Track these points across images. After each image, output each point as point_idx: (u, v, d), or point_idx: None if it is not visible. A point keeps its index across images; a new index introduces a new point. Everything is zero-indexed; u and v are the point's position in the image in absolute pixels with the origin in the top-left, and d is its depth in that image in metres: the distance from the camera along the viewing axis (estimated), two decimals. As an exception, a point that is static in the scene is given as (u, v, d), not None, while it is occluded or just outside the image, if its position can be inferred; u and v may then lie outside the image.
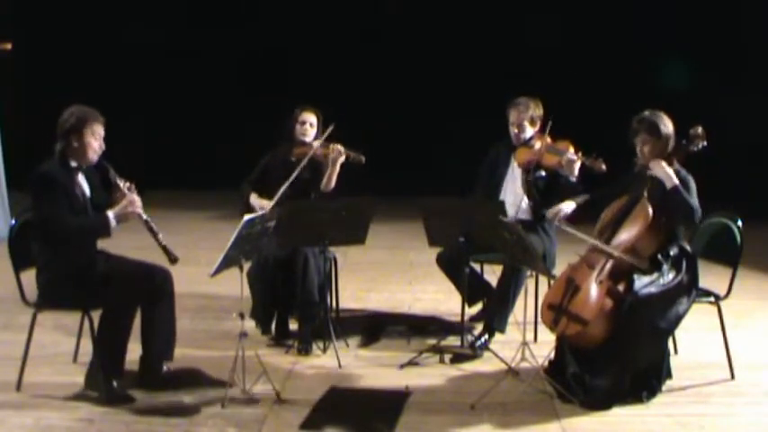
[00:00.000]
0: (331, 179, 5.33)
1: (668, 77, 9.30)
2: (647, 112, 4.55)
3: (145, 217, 4.37)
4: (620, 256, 4.33)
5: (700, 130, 4.42)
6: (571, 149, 5.01)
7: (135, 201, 4.34)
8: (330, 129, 5.31)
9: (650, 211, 4.38)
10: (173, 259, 4.33)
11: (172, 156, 10.39)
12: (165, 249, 4.35)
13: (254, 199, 5.34)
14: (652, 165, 4.44)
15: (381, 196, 5.35)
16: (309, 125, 5.40)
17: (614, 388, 4.25)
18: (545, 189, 5.18)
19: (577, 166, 4.94)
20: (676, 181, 4.36)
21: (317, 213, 4.93)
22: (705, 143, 4.42)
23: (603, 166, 4.88)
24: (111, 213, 4.29)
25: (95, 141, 4.35)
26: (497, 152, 5.40)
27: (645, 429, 4.07)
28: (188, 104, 10.40)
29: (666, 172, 4.39)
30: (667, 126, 4.50)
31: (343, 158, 5.27)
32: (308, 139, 5.40)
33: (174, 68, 10.57)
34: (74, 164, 4.35)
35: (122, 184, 4.39)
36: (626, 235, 4.39)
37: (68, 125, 4.30)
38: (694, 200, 4.38)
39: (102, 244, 4.51)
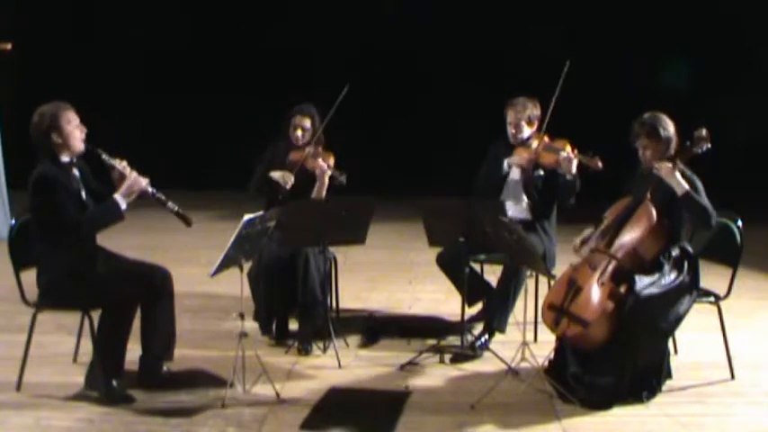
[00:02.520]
0: (320, 192, 5.29)
1: (668, 78, 9.29)
2: (647, 115, 4.51)
3: (151, 190, 4.36)
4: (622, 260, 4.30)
5: (704, 132, 4.33)
6: (568, 148, 5.01)
7: (138, 178, 4.32)
8: (319, 131, 5.33)
9: (653, 213, 4.36)
10: (189, 222, 4.34)
11: (172, 156, 10.37)
12: (178, 215, 4.36)
13: (275, 173, 5.30)
14: (663, 172, 4.34)
15: (381, 196, 5.35)
16: (302, 129, 5.38)
17: (615, 388, 4.25)
18: (544, 188, 5.19)
19: (575, 164, 4.95)
20: (686, 186, 4.30)
21: (317, 213, 4.94)
22: (709, 145, 4.34)
23: (600, 164, 4.88)
24: (117, 196, 4.26)
25: (75, 129, 4.30)
26: (496, 152, 5.40)
27: (645, 429, 4.07)
28: (188, 104, 10.39)
29: (677, 180, 4.31)
30: (667, 128, 4.47)
31: (328, 173, 5.24)
32: (302, 142, 5.40)
33: (174, 68, 10.56)
34: (65, 159, 4.32)
35: (118, 165, 4.35)
36: (628, 237, 4.37)
37: (45, 125, 4.24)
38: (706, 202, 4.34)
39: (102, 244, 4.51)
